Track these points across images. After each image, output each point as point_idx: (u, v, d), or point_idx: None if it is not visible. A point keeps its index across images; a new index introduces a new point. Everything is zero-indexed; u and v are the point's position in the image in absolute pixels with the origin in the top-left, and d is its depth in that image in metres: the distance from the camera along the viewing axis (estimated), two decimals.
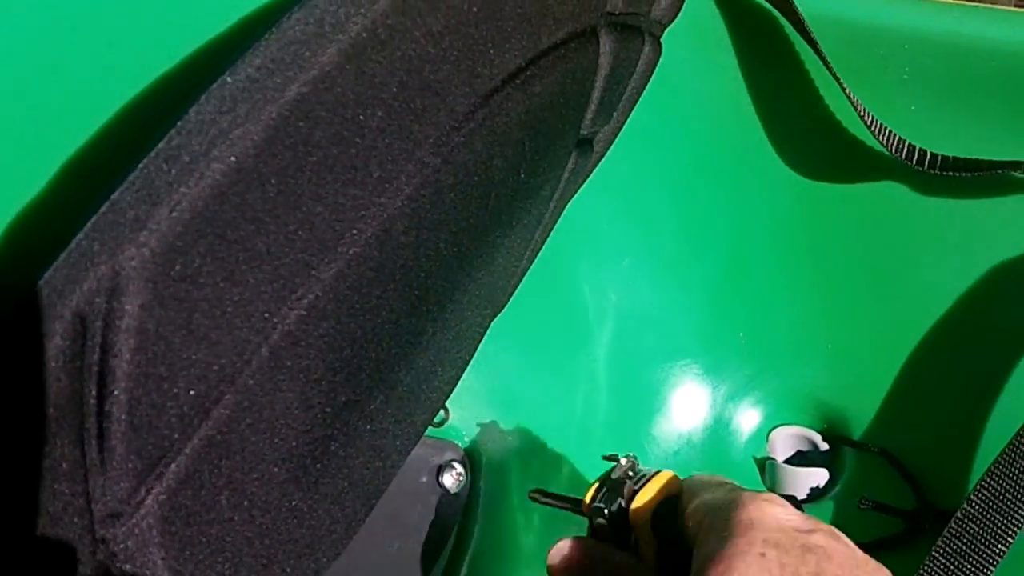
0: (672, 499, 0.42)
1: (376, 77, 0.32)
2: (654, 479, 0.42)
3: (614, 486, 0.42)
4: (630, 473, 0.43)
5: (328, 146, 0.31)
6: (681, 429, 0.73)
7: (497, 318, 0.58)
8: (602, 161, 0.60)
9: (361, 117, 0.32)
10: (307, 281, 0.32)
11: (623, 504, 0.42)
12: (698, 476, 0.46)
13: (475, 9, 0.35)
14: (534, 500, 0.47)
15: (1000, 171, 0.56)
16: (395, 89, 0.33)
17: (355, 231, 0.33)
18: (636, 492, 0.42)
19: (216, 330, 0.29)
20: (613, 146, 0.59)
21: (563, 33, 0.42)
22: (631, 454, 0.44)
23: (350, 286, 0.34)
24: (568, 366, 0.72)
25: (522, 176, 0.44)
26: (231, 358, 0.30)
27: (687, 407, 0.74)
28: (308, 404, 0.34)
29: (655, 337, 0.73)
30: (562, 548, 0.44)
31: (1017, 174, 0.56)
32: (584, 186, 0.60)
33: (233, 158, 0.28)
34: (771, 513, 0.40)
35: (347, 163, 0.32)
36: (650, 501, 0.41)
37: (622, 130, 0.58)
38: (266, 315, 0.31)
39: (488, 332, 0.55)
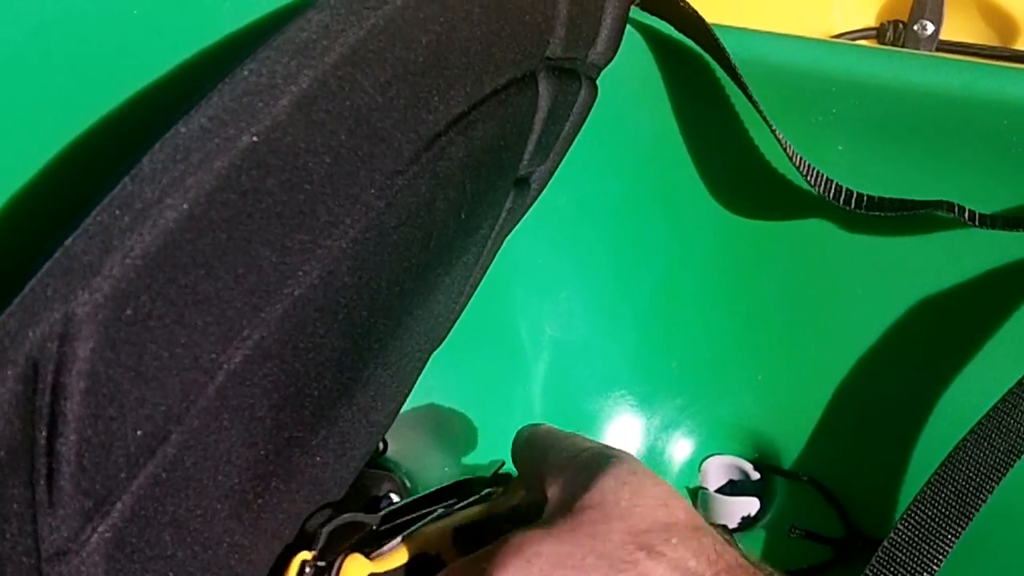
0: None
1: (326, 126, 0.32)
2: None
3: None
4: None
5: (278, 192, 0.31)
6: None
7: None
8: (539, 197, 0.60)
9: (310, 164, 0.32)
10: (253, 322, 0.32)
11: None
12: (530, 441, 0.46)
13: (422, 59, 0.36)
14: None
15: (924, 210, 0.58)
16: (343, 137, 0.33)
17: (301, 273, 0.33)
18: None
19: (164, 371, 0.29)
20: (550, 182, 0.59)
21: (505, 79, 0.43)
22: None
23: (294, 326, 0.34)
24: (504, 397, 0.72)
25: (463, 216, 0.45)
26: (178, 398, 0.30)
27: (622, 437, 0.74)
28: (252, 441, 0.35)
29: (590, 369, 0.74)
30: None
31: (940, 213, 0.58)
32: (521, 220, 0.61)
33: (185, 205, 0.28)
34: (624, 468, 0.39)
35: (295, 208, 0.32)
36: None
37: (559, 167, 0.59)
38: (213, 356, 0.31)
39: (426, 365, 0.56)
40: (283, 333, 0.34)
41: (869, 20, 0.89)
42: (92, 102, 0.39)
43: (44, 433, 0.27)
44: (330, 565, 0.41)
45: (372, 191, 0.36)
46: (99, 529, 0.29)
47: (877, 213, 0.59)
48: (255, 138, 0.30)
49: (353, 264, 0.36)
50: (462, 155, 0.42)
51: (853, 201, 0.60)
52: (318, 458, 0.41)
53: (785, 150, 0.59)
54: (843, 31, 0.88)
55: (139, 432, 0.29)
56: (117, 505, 0.30)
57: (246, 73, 0.31)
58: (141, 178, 0.28)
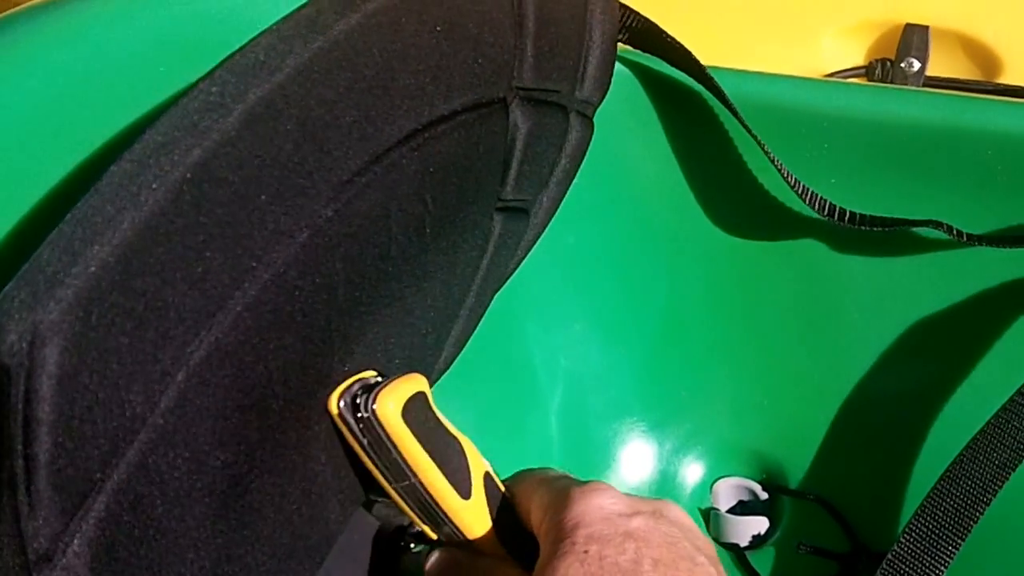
0: (421, 394, 0.43)
1: (272, 141, 0.35)
2: (397, 380, 0.43)
3: (356, 393, 0.42)
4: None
5: (228, 204, 0.33)
6: (630, 483, 0.76)
7: (452, 382, 0.59)
8: (547, 233, 0.62)
9: (259, 176, 0.34)
10: (209, 323, 0.34)
11: (371, 405, 0.41)
12: (527, 473, 0.49)
13: (368, 80, 0.39)
14: None
15: (918, 227, 0.60)
16: (290, 150, 0.36)
17: (252, 278, 0.35)
18: (379, 393, 0.41)
19: (127, 375, 0.31)
20: (557, 219, 0.62)
21: (459, 103, 0.45)
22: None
23: (249, 328, 0.36)
24: (521, 426, 0.74)
25: (427, 231, 0.47)
26: (141, 399, 0.32)
27: (635, 463, 0.76)
28: (221, 441, 0.36)
29: (603, 397, 0.76)
30: (436, 556, 0.47)
31: (931, 230, 0.61)
32: (531, 257, 0.63)
33: (141, 217, 0.30)
34: (596, 504, 0.42)
35: (244, 219, 0.34)
36: (396, 398, 0.42)
37: (563, 203, 0.61)
38: (173, 357, 0.33)
39: (442, 396, 0.56)
40: (239, 335, 0.35)
41: (858, 59, 0.91)
42: (67, 125, 0.41)
43: (20, 437, 0.28)
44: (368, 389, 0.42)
45: (320, 201, 0.38)
46: (80, 530, 0.30)
47: (872, 228, 0.61)
48: (206, 153, 0.32)
49: (304, 269, 0.38)
50: (416, 169, 0.43)
51: (847, 218, 0.61)
52: (298, 458, 0.41)
53: (781, 172, 0.61)
54: (833, 70, 0.90)
55: (108, 432, 0.31)
56: (95, 505, 0.31)
57: (197, 92, 0.34)
58: (101, 193, 0.31)
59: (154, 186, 0.31)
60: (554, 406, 0.75)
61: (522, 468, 0.71)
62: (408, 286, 0.48)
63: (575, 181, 0.61)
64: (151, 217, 0.31)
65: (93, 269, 0.29)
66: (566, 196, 0.61)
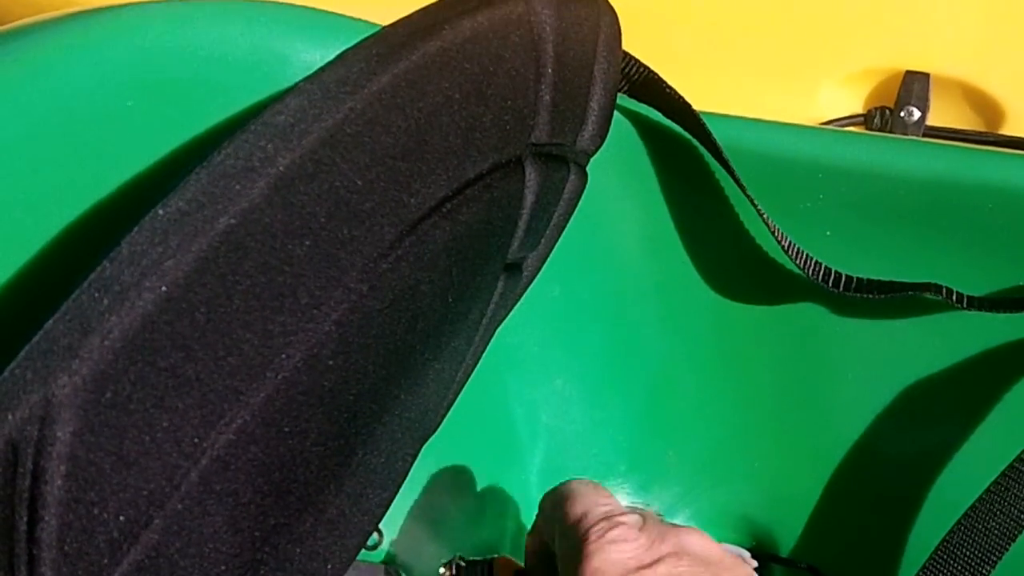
0: None
1: (304, 208, 0.33)
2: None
3: None
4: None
5: (257, 275, 0.32)
6: None
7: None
8: (532, 285, 0.61)
9: (289, 247, 0.32)
10: (236, 406, 0.32)
11: None
12: (552, 499, 0.48)
13: (401, 143, 0.37)
14: None
15: (913, 292, 0.58)
16: (323, 219, 0.34)
17: (284, 356, 0.33)
18: None
19: (146, 456, 0.29)
20: (542, 270, 0.60)
21: (488, 164, 0.44)
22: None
23: (278, 410, 0.34)
24: (500, 485, 0.72)
25: (450, 301, 0.45)
26: (160, 483, 0.30)
27: None
28: (237, 528, 0.34)
29: (587, 457, 0.74)
30: None
31: (928, 295, 0.58)
32: (515, 308, 0.61)
33: (164, 288, 0.29)
34: (615, 559, 0.41)
35: (275, 291, 0.32)
36: None
37: (551, 254, 0.59)
38: (195, 440, 0.31)
39: (421, 452, 0.55)
40: (267, 417, 0.34)
41: (856, 107, 0.90)
42: (76, 188, 0.39)
43: (25, 518, 0.27)
44: None
45: (354, 274, 0.36)
46: None
47: (866, 295, 0.59)
48: (232, 220, 0.30)
49: (337, 347, 0.36)
50: (447, 239, 0.42)
51: (842, 284, 0.60)
52: (308, 546, 0.40)
53: (774, 234, 0.60)
54: (830, 118, 0.89)
55: (121, 517, 0.29)
56: None
57: (223, 156, 0.31)
58: (120, 260, 0.29)
59: (177, 255, 0.29)
60: (535, 464, 0.73)
61: (500, 529, 0.70)
62: (429, 359, 0.47)
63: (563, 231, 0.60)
64: (174, 287, 0.29)
65: (110, 342, 0.28)
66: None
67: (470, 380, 0.59)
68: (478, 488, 0.71)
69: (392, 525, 0.69)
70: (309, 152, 0.33)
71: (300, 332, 0.34)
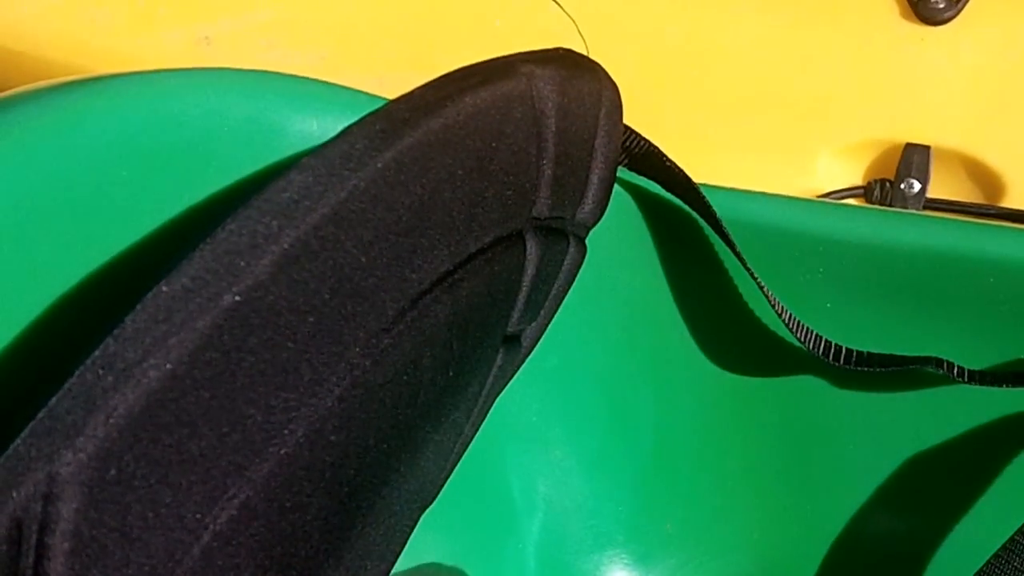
0: None
1: (309, 285, 0.33)
2: None
3: None
4: None
5: (261, 351, 0.31)
6: None
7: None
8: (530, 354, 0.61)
9: (293, 323, 0.32)
10: (239, 482, 0.32)
11: None
12: None
13: (404, 220, 0.37)
14: None
15: (913, 366, 0.58)
16: (326, 296, 0.34)
17: (287, 432, 0.33)
18: None
19: (149, 532, 0.29)
20: (541, 340, 0.60)
21: (489, 239, 0.44)
22: None
23: (280, 485, 0.34)
24: (498, 556, 0.72)
25: (451, 374, 0.45)
26: (163, 559, 0.30)
27: None
28: None
29: (584, 527, 0.73)
30: None
31: (929, 369, 0.58)
32: (513, 378, 0.61)
33: (168, 365, 0.29)
34: None
35: (279, 367, 0.32)
36: None
37: (549, 325, 0.59)
38: (198, 516, 0.31)
39: (418, 523, 0.55)
40: (269, 492, 0.33)
41: (856, 179, 0.90)
42: (78, 261, 0.39)
43: None
44: None
45: (357, 349, 0.36)
46: None
47: (866, 369, 0.59)
48: (237, 297, 0.30)
49: (339, 422, 0.36)
50: (448, 313, 0.42)
51: (843, 357, 0.60)
52: None
53: (774, 307, 0.60)
54: (830, 190, 0.89)
55: None
56: None
57: (227, 233, 0.31)
58: (124, 338, 0.29)
59: (182, 333, 0.29)
60: (532, 535, 0.73)
61: None
62: (429, 431, 0.47)
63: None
64: (178, 366, 0.29)
65: (115, 420, 0.28)
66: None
67: (467, 450, 0.59)
68: (475, 558, 0.70)
69: None
70: (314, 229, 0.33)
71: (303, 408, 0.34)
